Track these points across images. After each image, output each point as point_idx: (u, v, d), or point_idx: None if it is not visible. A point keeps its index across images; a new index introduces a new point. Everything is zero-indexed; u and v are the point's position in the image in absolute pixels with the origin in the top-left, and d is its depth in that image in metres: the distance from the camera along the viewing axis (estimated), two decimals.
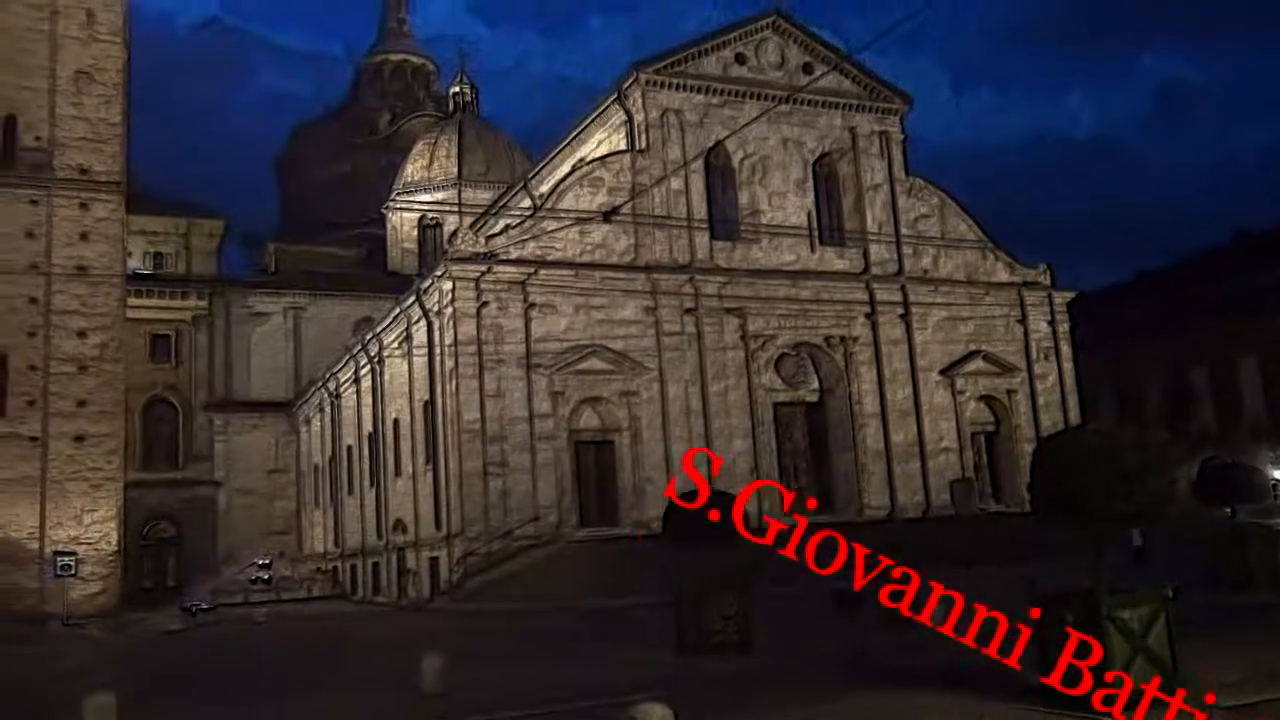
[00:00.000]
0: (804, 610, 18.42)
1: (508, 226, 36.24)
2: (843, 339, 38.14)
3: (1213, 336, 49.98)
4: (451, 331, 33.50)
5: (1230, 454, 35.50)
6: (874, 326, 38.57)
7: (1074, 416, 40.65)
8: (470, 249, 34.14)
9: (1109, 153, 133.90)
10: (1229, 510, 20.05)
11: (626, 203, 33.73)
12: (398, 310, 38.80)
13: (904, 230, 39.75)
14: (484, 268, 33.46)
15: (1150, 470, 9.87)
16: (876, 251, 39.28)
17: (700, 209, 36.76)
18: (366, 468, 44.71)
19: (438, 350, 34.98)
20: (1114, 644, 9.73)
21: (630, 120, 37.18)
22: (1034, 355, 41.11)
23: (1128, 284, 58.60)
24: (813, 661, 14.28)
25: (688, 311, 35.70)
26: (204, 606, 37.47)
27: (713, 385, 35.63)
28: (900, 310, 39.04)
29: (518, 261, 34.02)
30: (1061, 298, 42.24)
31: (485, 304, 33.41)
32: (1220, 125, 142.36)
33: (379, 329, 41.59)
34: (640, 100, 36.82)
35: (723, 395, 35.78)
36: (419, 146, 66.06)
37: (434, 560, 35.41)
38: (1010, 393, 40.54)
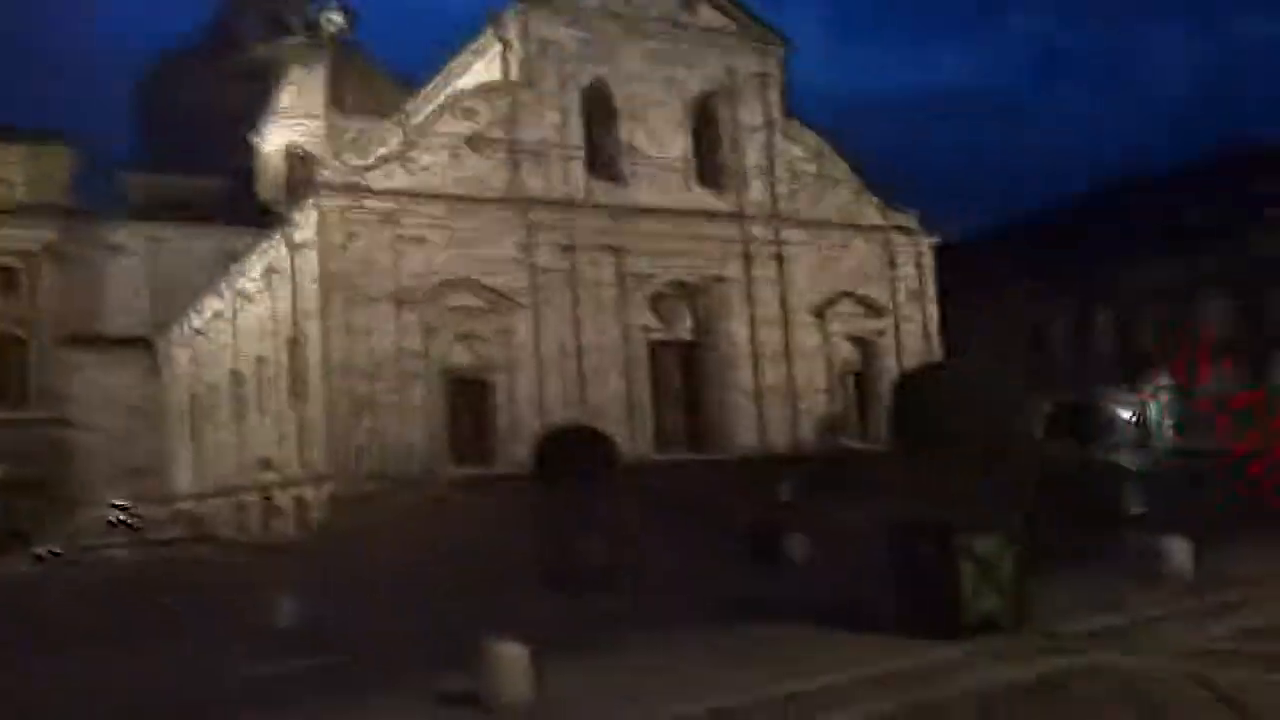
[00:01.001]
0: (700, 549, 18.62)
1: (379, 158, 35.10)
2: (718, 279, 38.34)
3: (1072, 287, 52.46)
4: (319, 265, 32.47)
5: (1083, 396, 37.19)
6: (748, 267, 38.87)
7: (938, 359, 41.82)
8: (339, 180, 33.03)
9: (984, 106, 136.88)
10: (1082, 448, 20.93)
11: (500, 136, 33.04)
12: (263, 244, 37.41)
13: (780, 172, 40.02)
14: (353, 200, 32.43)
15: (1005, 407, 10.14)
16: (753, 193, 39.45)
17: (578, 145, 36.25)
18: (232, 405, 43.32)
19: (305, 285, 33.90)
20: (966, 575, 10.03)
21: (507, 52, 36.27)
22: (901, 299, 42.11)
23: (996, 233, 60.40)
24: (685, 600, 14.40)
25: (564, 249, 35.33)
26: (57, 552, 35.92)
27: (589, 323, 35.47)
28: (774, 251, 39.42)
29: (388, 193, 33.05)
30: (930, 243, 43.27)
31: (354, 237, 32.42)
32: (1093, 82, 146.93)
33: (244, 263, 40.08)
34: (517, 31, 35.92)
35: (599, 333, 35.66)
36: (290, 75, 63.36)
37: (301, 500, 34.62)
38: (879, 334, 41.52)
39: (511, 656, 8.69)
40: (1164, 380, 48.55)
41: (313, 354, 33.32)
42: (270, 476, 37.73)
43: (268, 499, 37.88)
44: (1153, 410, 46.45)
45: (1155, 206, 50.55)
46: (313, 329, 33.18)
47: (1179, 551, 14.33)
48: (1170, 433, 45.98)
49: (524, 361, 34.36)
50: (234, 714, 9.74)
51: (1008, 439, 10.30)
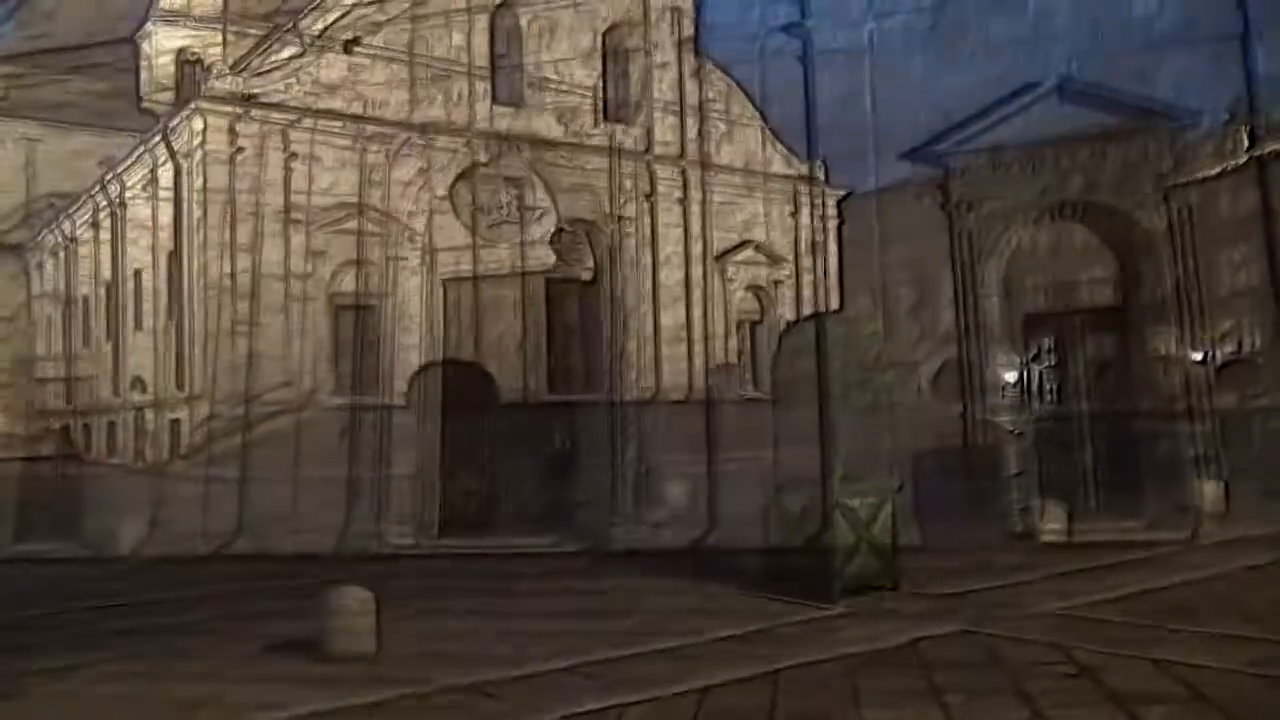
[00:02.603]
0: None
1: (272, 68, 33.37)
2: (620, 218, 37.68)
3: (962, 245, 53.65)
4: (201, 177, 30.91)
5: (968, 354, 37.74)
6: (652, 208, 38.28)
7: (831, 310, 41.91)
8: (227, 87, 31.34)
9: (888, 64, 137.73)
10: (963, 406, 21.09)
11: (402, 54, 31.71)
12: (142, 149, 35.50)
13: (688, 112, 39.32)
14: (241, 109, 30.85)
15: (883, 361, 9.84)
16: (659, 132, 38.74)
17: (483, 66, 35.04)
18: (104, 319, 41.33)
19: (186, 197, 32.28)
20: (840, 532, 9.78)
21: None
22: (802, 249, 42.02)
23: (893, 187, 60.71)
24: (555, 543, 13.99)
25: (462, 177, 34.25)
26: None
27: (484, 256, 34.56)
28: (678, 194, 38.87)
29: (280, 106, 31.50)
30: (834, 194, 43.13)
31: (241, 150, 30.89)
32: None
33: (120, 168, 38.02)
34: None
35: (495, 267, 34.79)
36: None
37: (175, 422, 33.23)
38: (777, 284, 41.40)
39: (356, 603, 8.13)
40: (1046, 343, 49.70)
41: (191, 270, 31.82)
42: (143, 397, 36.18)
43: (140, 420, 36.38)
44: (1035, 372, 47.50)
45: (1042, 171, 51.51)
46: (192, 244, 31.66)
47: (1053, 513, 14.45)
48: (1051, 395, 47.13)
49: (415, 290, 33.33)
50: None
51: (884, 393, 10.01)
